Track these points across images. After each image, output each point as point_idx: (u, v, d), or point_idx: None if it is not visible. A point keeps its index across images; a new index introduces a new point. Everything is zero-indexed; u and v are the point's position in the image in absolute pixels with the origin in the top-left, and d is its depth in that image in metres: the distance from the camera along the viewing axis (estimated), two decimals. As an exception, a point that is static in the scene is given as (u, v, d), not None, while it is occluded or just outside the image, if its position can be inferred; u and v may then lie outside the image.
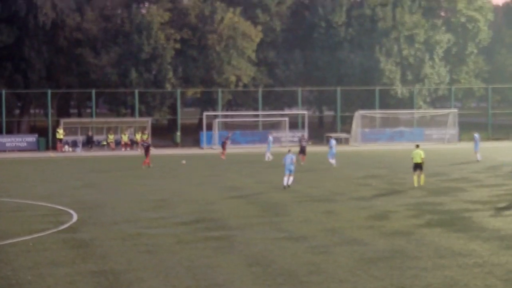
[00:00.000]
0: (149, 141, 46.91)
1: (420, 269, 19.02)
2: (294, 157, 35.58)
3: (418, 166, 35.05)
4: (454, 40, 75.93)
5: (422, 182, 35.14)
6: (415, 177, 35.26)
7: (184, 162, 49.17)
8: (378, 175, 41.24)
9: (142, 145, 45.66)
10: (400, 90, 72.43)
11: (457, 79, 77.28)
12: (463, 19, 76.74)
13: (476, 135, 51.03)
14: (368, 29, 73.29)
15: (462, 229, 24.38)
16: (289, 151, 36.69)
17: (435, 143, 66.13)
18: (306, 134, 63.08)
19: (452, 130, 68.67)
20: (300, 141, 51.35)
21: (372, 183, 37.51)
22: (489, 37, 78.42)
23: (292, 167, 34.94)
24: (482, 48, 79.61)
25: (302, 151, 48.16)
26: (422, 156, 35.10)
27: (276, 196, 32.83)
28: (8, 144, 62.98)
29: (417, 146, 36.63)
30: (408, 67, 73.26)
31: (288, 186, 34.88)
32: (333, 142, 47.23)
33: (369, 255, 20.58)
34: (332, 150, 46.09)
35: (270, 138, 53.57)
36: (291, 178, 35.04)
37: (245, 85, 71.81)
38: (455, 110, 70.60)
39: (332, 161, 45.92)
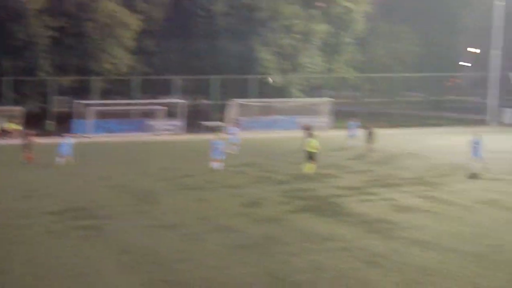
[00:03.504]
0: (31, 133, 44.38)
1: (289, 254, 19.39)
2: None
3: (309, 155, 35.93)
4: (332, 31, 77.36)
5: (307, 169, 35.61)
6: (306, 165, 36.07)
7: None
8: (252, 163, 41.25)
9: (25, 136, 43.12)
10: (276, 79, 73.31)
11: (332, 68, 78.93)
12: (339, 10, 78.33)
13: (352, 122, 52.43)
14: (247, 18, 73.74)
15: (330, 214, 24.99)
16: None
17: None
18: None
19: (325, 118, 70.01)
20: None
21: (247, 171, 37.71)
22: (365, 28, 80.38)
23: None
24: (357, 39, 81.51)
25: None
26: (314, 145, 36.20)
27: (148, 185, 32.46)
28: None
29: (310, 135, 37.83)
30: (285, 57, 74.23)
31: None
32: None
33: (241, 241, 20.80)
34: None
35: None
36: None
37: (122, 74, 70.81)
38: (329, 99, 72.13)
39: None
